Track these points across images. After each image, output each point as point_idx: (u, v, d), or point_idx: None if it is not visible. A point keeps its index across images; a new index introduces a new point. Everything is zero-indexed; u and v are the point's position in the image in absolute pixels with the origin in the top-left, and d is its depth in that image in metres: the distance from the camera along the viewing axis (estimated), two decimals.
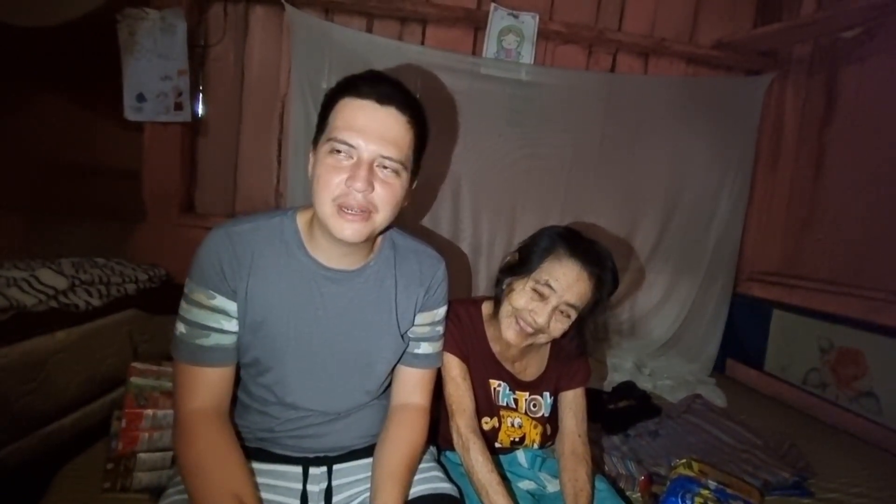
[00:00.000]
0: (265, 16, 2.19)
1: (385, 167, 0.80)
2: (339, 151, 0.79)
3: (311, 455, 0.94)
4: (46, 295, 1.37)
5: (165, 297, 1.62)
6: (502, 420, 1.11)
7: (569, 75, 2.30)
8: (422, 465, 0.96)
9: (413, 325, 0.98)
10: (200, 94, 2.19)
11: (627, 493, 1.31)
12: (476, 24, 2.24)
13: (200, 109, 2.21)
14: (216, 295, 0.83)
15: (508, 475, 1.09)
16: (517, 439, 1.12)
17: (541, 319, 1.03)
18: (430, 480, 0.95)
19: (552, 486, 1.10)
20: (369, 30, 2.22)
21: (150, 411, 1.14)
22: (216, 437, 0.81)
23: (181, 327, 0.83)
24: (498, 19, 2.18)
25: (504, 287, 1.11)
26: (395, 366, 0.98)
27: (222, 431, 0.83)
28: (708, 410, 1.82)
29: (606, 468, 1.39)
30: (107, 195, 2.02)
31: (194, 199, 2.26)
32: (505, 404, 1.12)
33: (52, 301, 1.39)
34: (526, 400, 1.14)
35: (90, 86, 1.98)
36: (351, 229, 0.80)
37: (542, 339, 1.08)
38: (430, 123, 0.88)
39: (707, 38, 2.41)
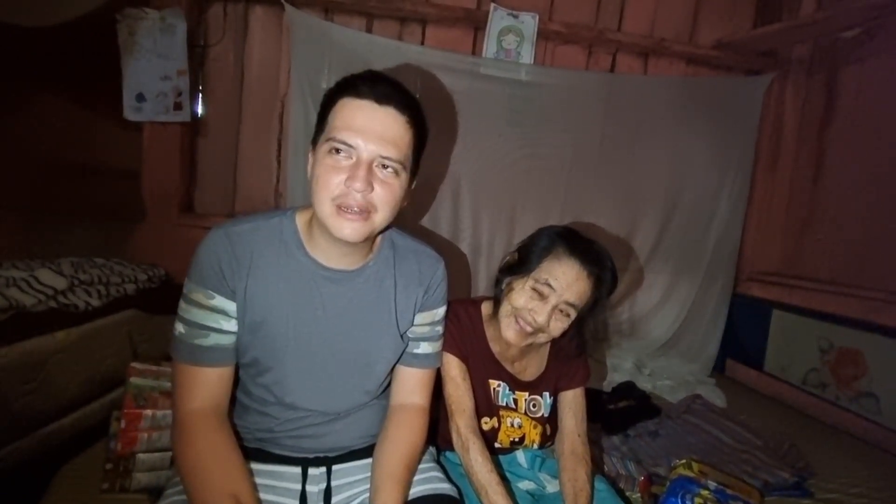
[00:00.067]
0: (265, 16, 2.19)
1: (384, 167, 0.80)
2: (338, 151, 0.79)
3: (311, 455, 0.94)
4: (46, 295, 1.37)
5: (165, 298, 1.62)
6: (502, 420, 1.11)
7: (569, 75, 2.30)
8: (421, 466, 0.96)
9: (412, 324, 0.98)
10: (200, 94, 2.19)
11: (627, 494, 1.31)
12: (476, 24, 2.23)
13: (200, 109, 2.21)
14: (215, 295, 0.83)
15: (508, 475, 1.09)
16: (517, 439, 1.12)
17: (540, 318, 1.03)
18: (429, 481, 0.95)
19: (552, 487, 1.10)
20: (369, 30, 2.22)
21: (149, 412, 1.14)
22: (215, 437, 0.81)
23: (180, 327, 0.83)
24: (498, 19, 2.18)
25: (503, 287, 1.11)
26: (395, 366, 0.98)
27: (221, 432, 0.83)
28: (708, 411, 1.82)
29: (606, 468, 1.39)
30: (106, 195, 2.01)
31: (194, 199, 2.26)
32: (504, 404, 1.12)
33: (52, 301, 1.39)
34: (525, 400, 1.14)
35: (90, 86, 1.98)
36: (350, 228, 0.80)
37: (541, 338, 1.08)
38: (429, 123, 0.88)
39: (707, 38, 2.41)
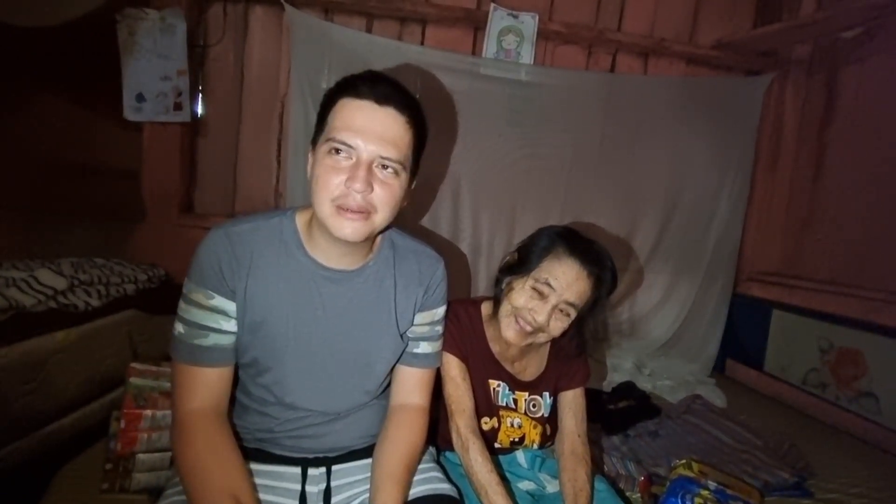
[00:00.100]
0: (265, 16, 2.19)
1: (384, 167, 0.80)
2: (337, 152, 0.79)
3: (311, 456, 0.94)
4: (45, 295, 1.37)
5: (165, 298, 1.62)
6: (502, 420, 1.11)
7: (568, 75, 2.30)
8: (421, 466, 0.96)
9: (412, 324, 0.98)
10: (200, 95, 2.19)
11: (627, 494, 1.31)
12: (476, 24, 2.24)
13: (200, 109, 2.21)
14: (215, 295, 0.83)
15: (508, 475, 1.09)
16: (517, 439, 1.12)
17: (540, 318, 1.03)
18: (429, 481, 0.95)
19: (552, 487, 1.10)
20: (369, 30, 2.22)
21: (149, 412, 1.14)
22: (214, 437, 0.81)
23: (180, 327, 0.83)
24: (497, 19, 2.18)
25: (503, 286, 1.11)
26: (395, 366, 0.98)
27: (221, 432, 0.83)
28: (708, 411, 1.82)
29: (606, 468, 1.39)
30: (106, 195, 2.01)
31: (194, 199, 2.26)
32: (504, 404, 1.12)
33: (52, 301, 1.39)
34: (525, 400, 1.14)
35: (90, 86, 1.98)
36: (350, 228, 0.79)
37: (541, 338, 1.08)
38: (429, 123, 0.88)
39: (707, 38, 2.41)
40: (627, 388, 1.96)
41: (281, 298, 0.86)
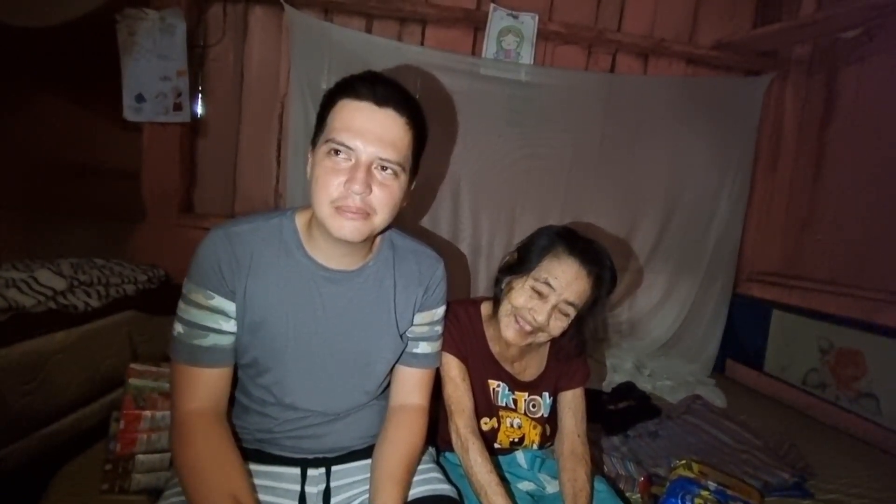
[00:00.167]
0: (264, 16, 2.19)
1: (383, 169, 0.80)
2: (337, 153, 0.79)
3: (310, 456, 0.94)
4: (45, 296, 1.37)
5: (164, 298, 1.62)
6: (501, 420, 1.11)
7: (568, 76, 2.30)
8: (421, 467, 0.96)
9: (412, 324, 0.97)
10: (200, 95, 2.19)
11: (627, 494, 1.31)
12: (475, 24, 2.23)
13: (200, 110, 2.21)
14: (214, 295, 0.83)
15: (508, 476, 1.09)
16: (516, 440, 1.12)
17: (540, 318, 1.03)
18: (429, 482, 0.94)
19: (551, 487, 1.10)
20: (369, 30, 2.22)
21: (148, 413, 1.14)
22: (214, 438, 0.81)
23: (179, 328, 0.83)
24: (497, 20, 2.18)
25: (503, 286, 1.11)
26: (394, 366, 0.98)
27: (220, 432, 0.83)
28: (708, 411, 1.82)
29: (606, 469, 1.39)
30: (106, 195, 2.01)
31: (193, 199, 2.26)
32: (504, 405, 1.12)
33: (51, 302, 1.39)
34: (525, 400, 1.14)
35: (90, 86, 1.98)
36: (350, 228, 0.79)
37: (541, 337, 1.08)
38: (429, 124, 0.88)
39: (707, 38, 2.41)
40: (627, 389, 1.95)
41: (281, 299, 0.86)
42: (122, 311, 1.63)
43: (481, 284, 2.30)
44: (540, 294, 1.03)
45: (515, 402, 1.13)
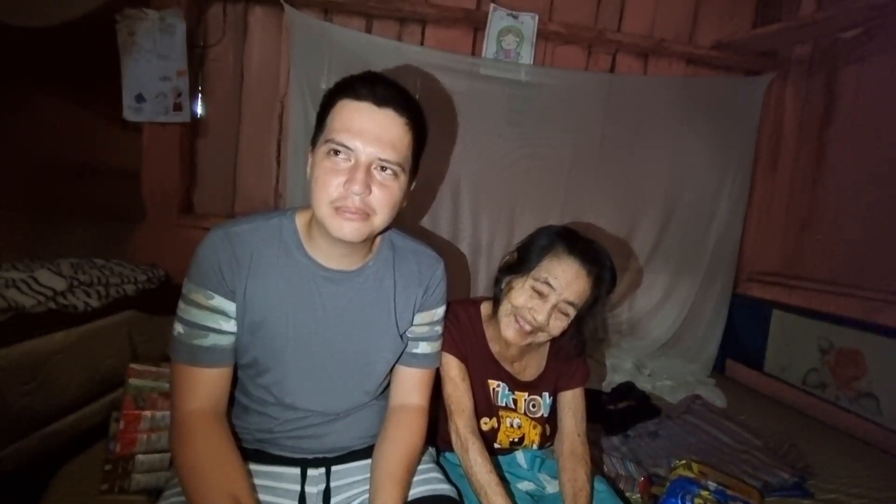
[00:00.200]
0: (264, 16, 2.19)
1: (383, 169, 0.80)
2: (336, 153, 0.79)
3: (310, 456, 0.94)
4: (45, 296, 1.37)
5: (164, 298, 1.62)
6: (501, 420, 1.11)
7: (568, 76, 2.30)
8: (421, 467, 0.96)
9: (412, 324, 0.98)
10: (200, 95, 2.19)
11: (627, 494, 1.31)
12: (475, 24, 2.23)
13: (199, 110, 2.21)
14: (214, 295, 0.83)
15: (507, 476, 1.09)
16: (516, 440, 1.12)
17: (540, 317, 1.03)
18: (429, 482, 0.95)
19: (551, 487, 1.10)
20: (368, 30, 2.22)
21: (148, 413, 1.14)
22: (214, 438, 0.81)
23: (179, 328, 0.83)
24: (497, 20, 2.17)
25: (503, 286, 1.11)
26: (394, 366, 0.98)
27: (220, 432, 0.83)
28: (707, 411, 1.82)
29: (606, 469, 1.39)
30: (106, 195, 2.01)
31: (193, 199, 2.26)
32: (504, 405, 1.12)
33: (51, 302, 1.38)
34: (525, 400, 1.14)
35: (90, 86, 1.98)
36: (350, 228, 0.79)
37: (541, 337, 1.08)
38: (429, 124, 0.88)
39: (707, 38, 2.41)
40: (627, 389, 1.96)
41: (281, 299, 0.86)
42: (122, 311, 1.63)
43: (481, 284, 2.30)
44: (540, 294, 1.03)
45: (515, 401, 1.13)
